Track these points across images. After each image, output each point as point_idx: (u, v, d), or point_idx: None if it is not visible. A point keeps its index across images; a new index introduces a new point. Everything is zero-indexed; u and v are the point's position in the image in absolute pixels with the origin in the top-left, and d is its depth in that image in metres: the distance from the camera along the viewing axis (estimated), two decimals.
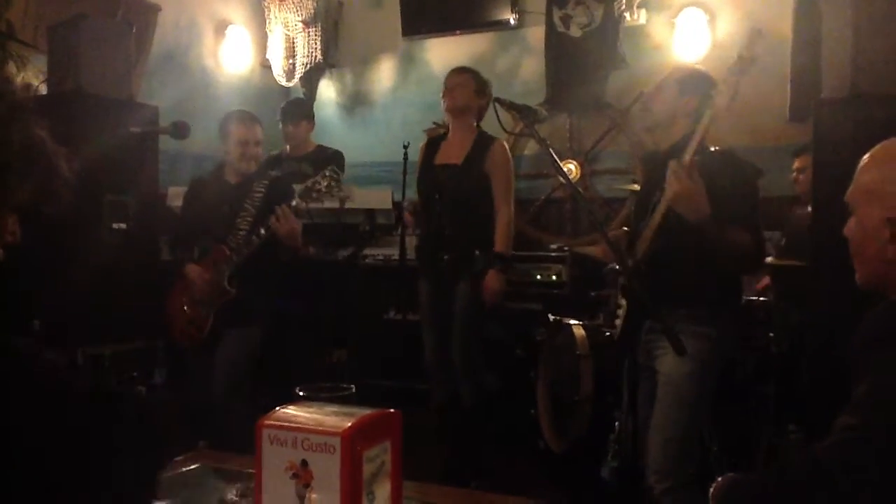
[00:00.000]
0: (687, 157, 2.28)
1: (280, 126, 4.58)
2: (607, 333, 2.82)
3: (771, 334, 3.49)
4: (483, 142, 3.66)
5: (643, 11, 5.10)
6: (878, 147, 1.54)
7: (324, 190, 3.20)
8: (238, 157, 3.45)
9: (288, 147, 4.65)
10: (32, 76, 4.00)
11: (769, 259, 3.69)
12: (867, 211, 1.49)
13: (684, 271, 2.43)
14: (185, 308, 3.39)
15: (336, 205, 4.01)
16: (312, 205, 3.29)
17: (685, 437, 2.46)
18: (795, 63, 4.44)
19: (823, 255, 2.95)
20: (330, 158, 4.58)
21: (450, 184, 3.62)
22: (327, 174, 3.22)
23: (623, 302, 2.62)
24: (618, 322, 2.64)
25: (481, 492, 1.65)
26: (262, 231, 3.24)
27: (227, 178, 3.50)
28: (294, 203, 3.22)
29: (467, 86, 3.66)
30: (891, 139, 1.53)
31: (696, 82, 2.58)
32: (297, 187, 3.40)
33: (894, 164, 1.48)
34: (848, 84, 2.85)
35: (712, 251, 2.34)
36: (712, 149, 2.56)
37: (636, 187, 2.73)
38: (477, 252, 3.61)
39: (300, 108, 4.76)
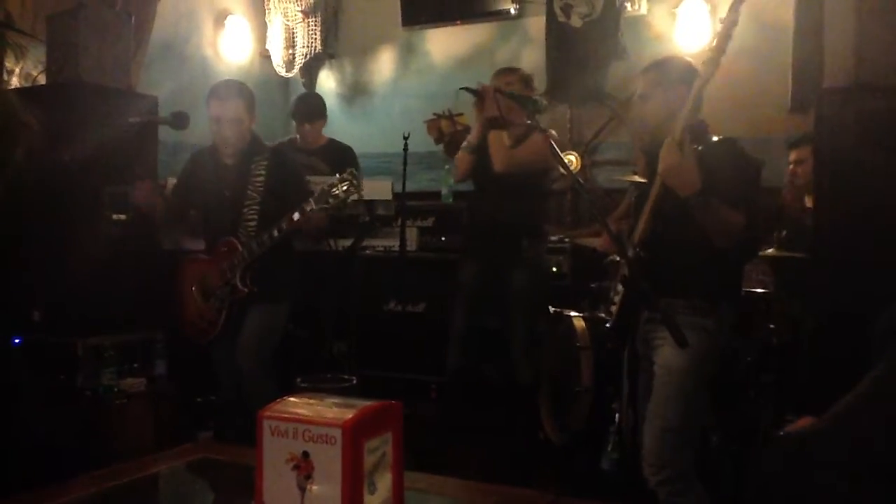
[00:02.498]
0: (677, 131, 2.29)
1: (294, 123, 4.60)
2: (607, 325, 2.82)
3: (772, 325, 3.49)
4: (531, 130, 3.73)
5: (644, 2, 5.07)
6: None
7: (341, 196, 2.96)
8: (214, 136, 3.29)
9: (298, 138, 4.66)
10: (31, 66, 3.99)
11: (770, 251, 3.69)
12: None
13: (681, 261, 2.43)
14: (195, 301, 3.31)
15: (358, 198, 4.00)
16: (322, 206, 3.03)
17: (680, 429, 2.46)
18: (797, 52, 4.43)
19: (824, 246, 2.94)
20: (343, 153, 4.56)
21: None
22: (346, 178, 2.97)
23: (620, 289, 2.62)
24: (613, 309, 2.65)
25: (483, 483, 1.65)
26: (276, 233, 3.10)
27: (224, 159, 3.34)
28: (309, 208, 3.01)
29: (514, 86, 3.73)
30: None
31: (672, 72, 2.59)
32: (313, 180, 3.30)
33: None
34: (851, 74, 2.83)
35: (702, 229, 2.34)
36: (715, 138, 2.55)
37: (636, 178, 2.72)
38: (525, 241, 3.80)
39: (318, 106, 4.69)
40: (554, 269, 4.55)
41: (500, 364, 3.96)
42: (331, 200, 2.96)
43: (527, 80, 3.87)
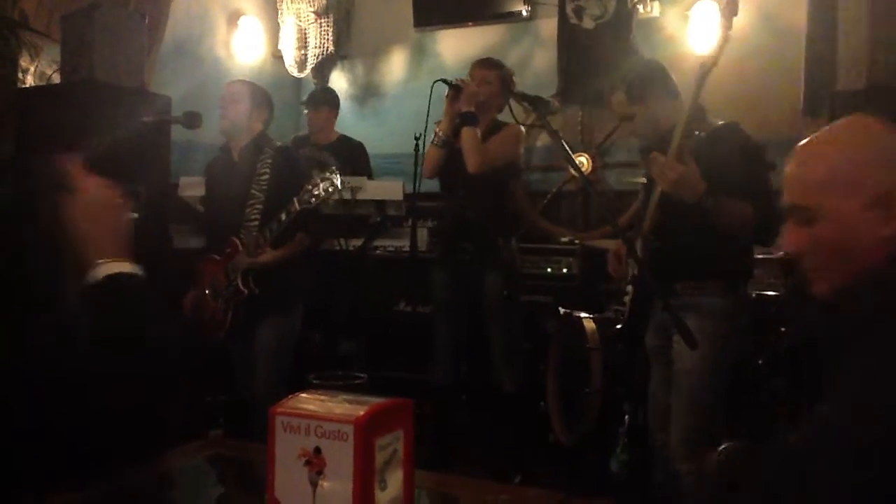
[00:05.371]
0: (672, 149, 2.30)
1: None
2: (618, 326, 2.82)
3: (783, 329, 3.48)
4: (497, 126, 3.64)
5: (656, 3, 5.07)
6: (828, 132, 1.42)
7: (322, 195, 3.03)
8: (220, 122, 3.38)
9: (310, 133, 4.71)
10: (46, 65, 4.02)
11: (781, 253, 3.68)
12: (843, 204, 1.33)
13: (694, 245, 2.44)
14: (208, 301, 3.32)
15: (347, 196, 4.01)
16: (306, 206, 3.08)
17: (709, 421, 2.50)
18: (810, 55, 4.40)
19: None
20: (353, 150, 4.60)
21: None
22: (326, 177, 3.05)
23: (629, 289, 2.62)
24: (623, 308, 2.65)
25: (493, 482, 1.65)
26: (268, 234, 3.14)
27: (232, 155, 3.40)
28: (293, 208, 3.06)
29: (493, 83, 3.59)
30: (836, 123, 1.43)
31: (649, 87, 2.64)
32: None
33: (859, 145, 1.36)
34: (864, 76, 2.83)
35: (712, 223, 2.36)
36: (719, 122, 2.56)
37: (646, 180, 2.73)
38: (500, 241, 3.60)
39: (322, 94, 4.80)
40: (564, 270, 4.54)
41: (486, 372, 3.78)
42: (312, 200, 3.04)
43: (505, 79, 3.61)
